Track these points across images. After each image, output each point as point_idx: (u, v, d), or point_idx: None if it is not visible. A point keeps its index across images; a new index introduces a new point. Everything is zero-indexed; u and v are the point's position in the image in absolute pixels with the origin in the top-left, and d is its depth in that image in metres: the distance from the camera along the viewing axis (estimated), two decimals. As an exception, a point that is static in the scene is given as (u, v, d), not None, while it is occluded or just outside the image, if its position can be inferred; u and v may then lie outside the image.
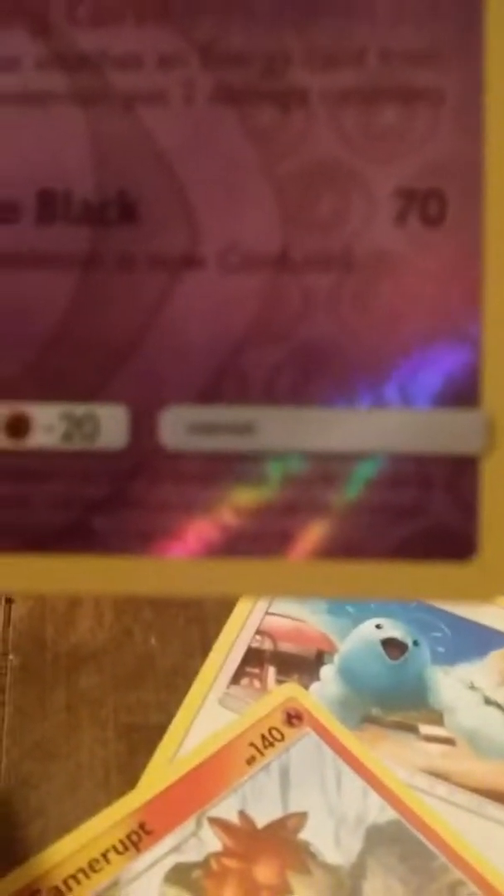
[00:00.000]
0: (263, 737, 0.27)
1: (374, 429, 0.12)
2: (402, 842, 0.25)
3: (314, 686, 0.29)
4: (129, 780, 0.26)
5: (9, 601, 0.31)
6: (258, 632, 0.31)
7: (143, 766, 0.27)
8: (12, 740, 0.27)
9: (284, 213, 0.12)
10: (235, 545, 0.12)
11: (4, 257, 0.12)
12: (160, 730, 0.28)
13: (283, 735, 0.27)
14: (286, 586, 0.12)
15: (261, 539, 0.12)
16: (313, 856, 0.25)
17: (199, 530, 0.12)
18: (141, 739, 0.28)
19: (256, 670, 0.30)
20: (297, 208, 0.12)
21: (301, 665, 0.30)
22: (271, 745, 0.27)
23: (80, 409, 0.12)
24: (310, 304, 0.12)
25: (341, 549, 0.12)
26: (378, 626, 0.31)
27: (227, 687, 0.29)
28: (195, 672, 0.29)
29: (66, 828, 0.25)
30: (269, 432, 0.12)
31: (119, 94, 0.12)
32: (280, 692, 0.29)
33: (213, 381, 0.12)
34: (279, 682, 0.29)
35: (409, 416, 0.12)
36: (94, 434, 0.12)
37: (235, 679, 0.29)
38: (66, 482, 0.12)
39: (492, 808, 0.26)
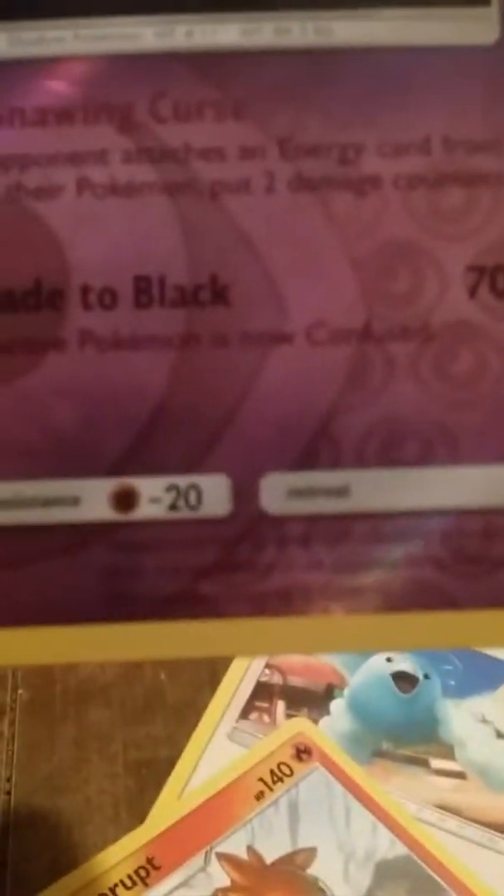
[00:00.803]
0: (272, 772, 0.27)
1: (460, 485, 0.13)
2: (411, 877, 0.25)
3: (324, 720, 0.29)
4: (138, 815, 0.26)
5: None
6: (267, 665, 0.31)
7: (152, 800, 0.27)
8: (22, 774, 0.27)
9: (365, 289, 0.13)
10: (339, 601, 0.13)
11: (106, 341, 0.13)
12: (169, 764, 0.28)
13: (291, 770, 0.27)
14: (400, 639, 0.13)
15: (361, 594, 0.13)
16: (322, 891, 0.25)
17: (304, 589, 0.13)
18: (150, 774, 0.27)
19: (266, 704, 0.30)
20: (376, 285, 0.13)
21: (311, 699, 0.30)
22: (280, 780, 0.27)
23: (184, 481, 0.13)
24: (393, 372, 0.13)
25: (439, 600, 0.13)
26: (388, 660, 0.31)
27: (236, 721, 0.29)
28: (204, 706, 0.29)
29: (74, 862, 0.25)
30: (363, 494, 0.13)
31: (204, 184, 0.13)
32: (289, 727, 0.28)
33: (308, 448, 0.13)
34: (289, 716, 0.29)
35: (489, 471, 0.13)
36: (198, 503, 0.13)
37: (244, 713, 0.29)
38: (174, 551, 0.13)
39: (502, 842, 0.26)
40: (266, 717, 0.29)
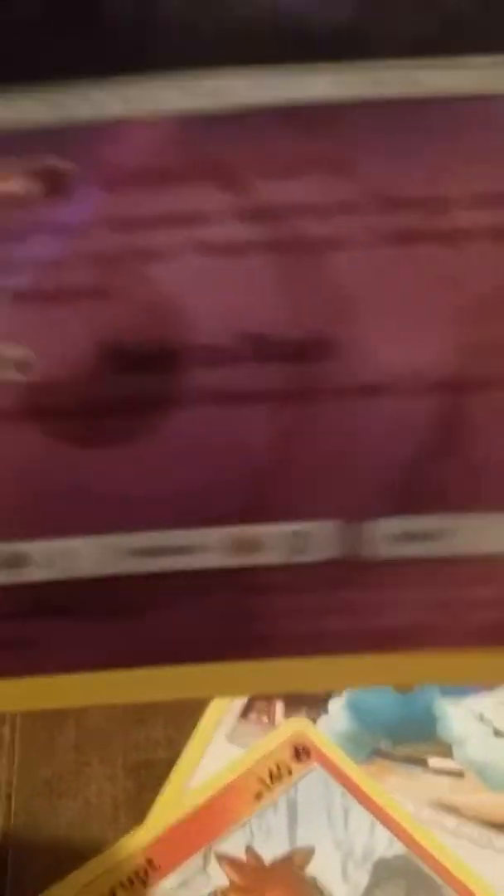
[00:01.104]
0: (271, 772, 0.27)
1: None
2: (409, 876, 0.25)
3: (322, 720, 0.29)
4: (138, 817, 0.26)
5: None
6: (265, 667, 0.31)
7: (152, 802, 0.27)
8: (21, 777, 0.28)
9: (458, 340, 0.13)
10: (442, 637, 0.14)
11: (222, 396, 0.13)
12: (168, 766, 0.28)
13: (290, 770, 0.27)
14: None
15: (464, 631, 0.14)
16: (320, 891, 0.25)
17: (411, 626, 0.14)
18: (149, 776, 0.28)
19: (265, 704, 0.30)
20: (469, 335, 0.13)
21: (309, 699, 0.30)
22: (279, 779, 0.27)
23: (298, 528, 0.13)
24: (490, 419, 0.13)
25: None
26: (386, 661, 0.31)
27: (236, 722, 0.29)
28: (203, 708, 0.29)
29: (75, 865, 0.25)
30: (463, 536, 0.13)
31: (306, 240, 0.13)
32: (287, 727, 0.29)
33: (410, 494, 0.13)
34: (287, 716, 0.29)
35: None
36: (310, 549, 0.13)
37: (244, 714, 0.29)
38: (289, 593, 0.13)
39: (501, 840, 0.26)
40: (265, 718, 0.29)
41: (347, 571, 0.13)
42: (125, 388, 0.13)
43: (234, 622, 0.13)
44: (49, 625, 0.13)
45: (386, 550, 0.13)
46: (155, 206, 0.13)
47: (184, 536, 0.13)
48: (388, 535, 0.13)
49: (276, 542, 0.13)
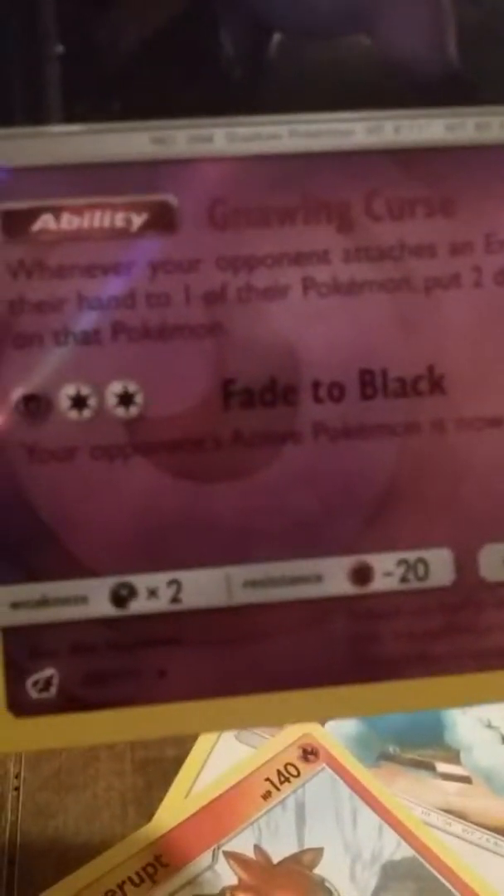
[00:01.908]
0: (279, 772, 0.27)
1: None
2: (417, 879, 0.25)
3: (331, 723, 0.29)
4: (146, 813, 0.27)
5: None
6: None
7: (160, 799, 0.27)
8: (30, 771, 0.28)
9: None
10: None
11: (337, 431, 0.14)
12: (176, 763, 0.28)
13: (298, 771, 0.27)
14: None
15: None
16: (329, 891, 0.25)
17: None
18: (157, 773, 0.28)
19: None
20: None
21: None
22: (287, 780, 0.27)
23: (412, 555, 0.14)
24: None
25: None
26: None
27: (244, 722, 0.29)
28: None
29: (83, 859, 0.25)
30: None
31: (418, 280, 0.13)
32: (296, 728, 0.29)
33: None
34: (295, 718, 0.30)
35: None
36: (425, 575, 0.14)
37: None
38: (406, 618, 0.14)
39: (508, 846, 0.26)
40: (273, 719, 0.30)
41: (461, 595, 0.14)
42: (241, 423, 0.13)
43: (350, 647, 0.14)
44: (166, 655, 0.14)
45: (497, 574, 0.14)
46: (267, 244, 0.13)
47: (300, 567, 0.14)
48: (500, 560, 0.14)
49: (393, 569, 0.14)
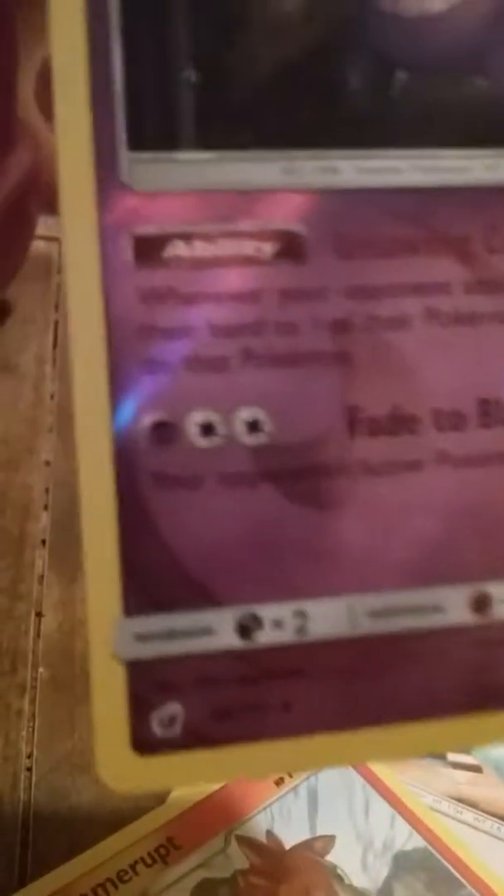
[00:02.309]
0: (292, 758, 0.27)
1: None
2: (429, 870, 0.25)
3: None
4: (158, 796, 0.27)
5: (38, 615, 0.31)
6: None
7: (172, 782, 0.27)
8: (43, 751, 0.28)
9: None
10: None
11: (459, 459, 0.14)
12: (189, 746, 0.28)
13: (311, 757, 0.28)
14: None
15: None
16: (340, 879, 0.25)
17: None
18: (170, 755, 0.28)
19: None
20: None
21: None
22: (300, 766, 0.27)
23: None
24: None
25: None
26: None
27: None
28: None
29: (96, 840, 0.25)
30: None
31: None
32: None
33: None
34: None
35: None
36: None
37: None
38: None
39: (519, 838, 0.27)
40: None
41: None
42: (367, 451, 0.13)
43: (473, 676, 0.14)
44: (292, 687, 0.13)
45: None
46: (391, 275, 0.13)
47: (422, 596, 0.14)
48: None
49: None
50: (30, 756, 0.27)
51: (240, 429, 0.13)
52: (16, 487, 0.35)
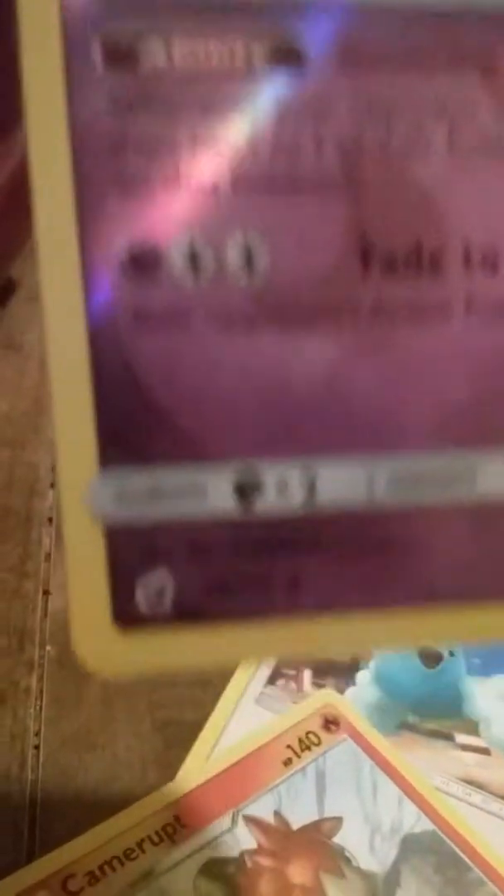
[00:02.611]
0: (300, 740, 0.27)
1: None
2: (437, 853, 0.25)
3: (350, 690, 0.29)
4: (166, 775, 0.27)
5: (46, 593, 0.31)
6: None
7: (180, 760, 0.27)
8: (50, 729, 0.28)
9: None
10: None
11: (492, 305, 0.12)
12: (195, 726, 0.28)
13: (319, 739, 0.27)
14: None
15: None
16: (347, 860, 0.25)
17: None
18: (176, 735, 0.28)
19: (293, 672, 0.30)
20: None
21: (336, 669, 0.30)
22: (308, 748, 0.27)
23: None
24: None
25: None
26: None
27: (264, 687, 0.29)
28: (230, 671, 0.29)
29: (103, 818, 0.25)
30: None
31: None
32: (318, 697, 0.29)
33: None
34: (315, 684, 0.29)
35: None
36: None
37: (271, 680, 0.29)
38: None
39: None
40: (293, 685, 0.29)
41: None
42: (382, 292, 0.12)
43: None
44: (300, 561, 0.12)
45: None
46: (408, 92, 0.11)
47: (453, 463, 0.12)
48: None
49: None
50: (37, 733, 0.27)
51: (233, 261, 0.11)
52: (22, 466, 0.35)
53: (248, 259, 0.11)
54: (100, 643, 0.11)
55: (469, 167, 0.12)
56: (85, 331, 0.11)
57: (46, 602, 0.31)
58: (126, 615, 0.11)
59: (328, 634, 0.12)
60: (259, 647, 0.12)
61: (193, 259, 0.11)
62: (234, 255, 0.11)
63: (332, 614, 0.12)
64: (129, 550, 0.11)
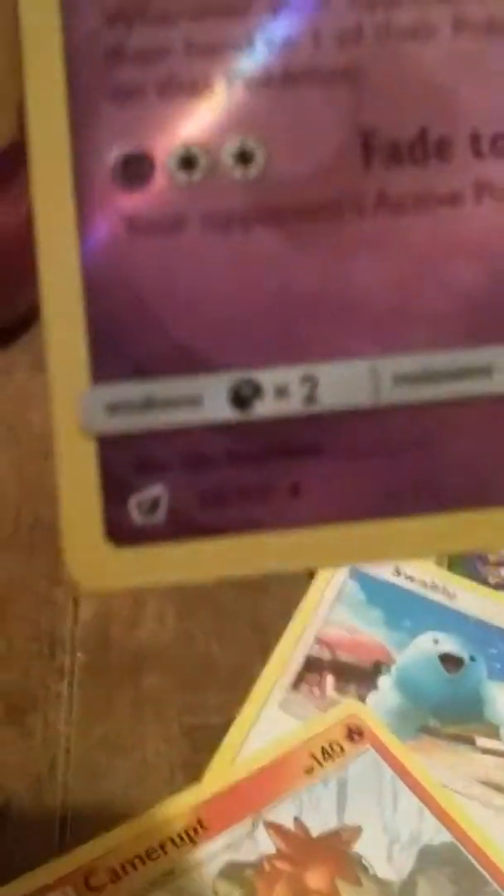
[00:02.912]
0: (323, 749, 0.28)
1: None
2: (454, 864, 0.26)
3: (372, 696, 0.30)
4: (193, 778, 0.27)
5: (76, 601, 0.32)
6: (317, 641, 0.31)
7: (207, 764, 0.28)
8: (80, 733, 0.29)
9: None
10: None
11: (497, 191, 0.11)
12: (221, 731, 0.28)
13: (343, 749, 0.28)
14: None
15: None
16: (365, 869, 0.26)
17: None
18: (203, 740, 0.28)
19: (316, 677, 0.30)
20: None
21: (359, 675, 0.31)
22: (331, 757, 0.28)
23: None
24: None
25: None
26: (435, 641, 0.32)
27: (287, 693, 0.30)
28: (254, 677, 0.30)
29: (127, 818, 0.26)
30: None
31: None
32: (342, 708, 0.29)
33: None
34: (338, 690, 0.30)
35: None
36: None
37: (294, 686, 0.30)
38: None
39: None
40: (316, 691, 0.30)
41: None
42: (386, 183, 0.11)
43: None
44: (301, 467, 0.11)
45: None
46: None
47: (466, 357, 0.11)
48: None
49: None
50: (68, 737, 0.28)
51: (228, 160, 0.11)
52: (54, 477, 0.36)
53: (245, 158, 0.11)
54: (91, 557, 0.11)
55: (476, 50, 0.11)
56: (77, 240, 0.11)
57: (77, 610, 0.32)
58: (119, 529, 0.11)
59: (331, 546, 0.11)
60: (257, 560, 0.11)
61: (188, 163, 0.11)
62: (229, 155, 0.11)
63: (336, 524, 0.11)
64: (122, 463, 0.11)
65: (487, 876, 0.25)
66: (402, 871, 0.25)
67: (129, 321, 0.11)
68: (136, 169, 0.11)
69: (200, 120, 0.11)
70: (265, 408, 0.11)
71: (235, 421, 0.11)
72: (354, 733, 0.28)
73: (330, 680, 0.30)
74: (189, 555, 0.11)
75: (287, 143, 0.11)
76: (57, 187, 0.11)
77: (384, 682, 0.30)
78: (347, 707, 0.29)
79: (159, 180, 0.11)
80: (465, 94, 0.11)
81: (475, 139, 0.11)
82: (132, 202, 0.11)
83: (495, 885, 0.25)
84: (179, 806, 0.27)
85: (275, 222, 0.11)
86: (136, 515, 0.11)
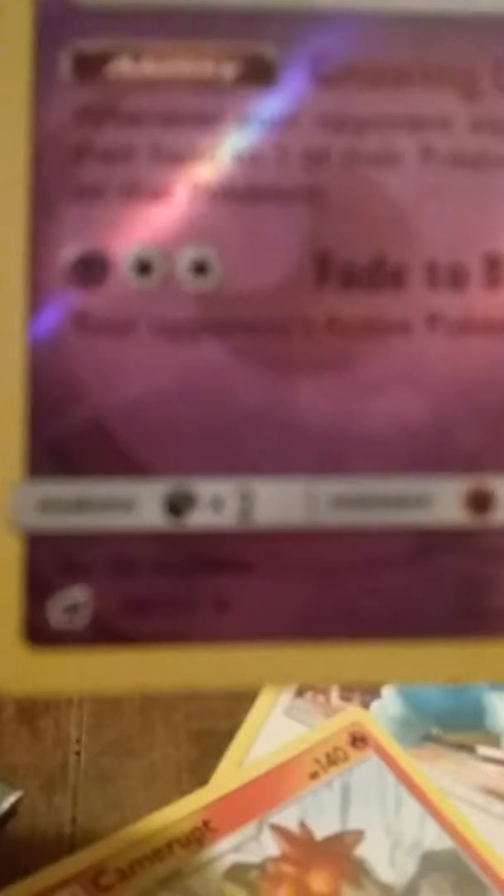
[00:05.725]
0: (328, 754, 0.28)
1: None
2: (456, 870, 0.26)
3: (375, 704, 0.30)
4: (200, 781, 0.28)
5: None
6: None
7: (214, 768, 0.28)
8: (90, 737, 0.29)
9: None
10: None
11: (457, 324, 0.11)
12: (228, 736, 0.29)
13: (346, 755, 0.28)
14: None
15: None
16: (367, 872, 0.26)
17: None
18: (210, 744, 0.29)
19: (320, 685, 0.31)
20: None
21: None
22: (335, 763, 0.28)
23: None
24: None
25: None
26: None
27: (292, 700, 0.30)
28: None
29: (136, 820, 0.27)
30: None
31: None
32: (346, 715, 0.30)
33: None
34: (342, 697, 0.30)
35: None
36: None
37: (299, 693, 0.31)
38: None
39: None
40: (321, 698, 0.31)
41: None
42: (338, 306, 0.11)
43: (462, 593, 0.11)
44: (230, 583, 0.11)
45: None
46: (379, 105, 0.11)
47: (403, 485, 0.11)
48: None
49: None
50: (79, 741, 0.29)
51: (182, 269, 0.11)
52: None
53: (200, 269, 0.11)
54: (9, 657, 0.11)
55: (440, 180, 0.11)
56: (24, 332, 0.11)
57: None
58: (38, 630, 0.11)
59: (254, 664, 0.11)
60: (177, 673, 0.11)
61: (143, 268, 0.11)
62: (185, 264, 0.11)
63: (259, 642, 0.11)
64: (47, 562, 0.11)
65: (488, 882, 0.26)
66: (405, 876, 0.26)
67: (69, 418, 0.11)
68: (91, 267, 0.11)
69: (159, 226, 0.11)
70: (199, 519, 0.11)
71: (168, 530, 0.11)
72: (358, 740, 0.29)
73: (334, 687, 0.31)
74: (108, 663, 0.11)
75: (243, 258, 0.11)
76: (10, 278, 0.11)
77: (387, 690, 0.31)
78: (351, 714, 0.30)
79: (113, 281, 0.11)
80: (426, 223, 0.11)
81: (431, 268, 0.11)
82: (84, 300, 0.11)
83: (495, 892, 0.25)
84: (187, 808, 0.27)
85: (224, 335, 0.11)
86: (57, 617, 0.11)
